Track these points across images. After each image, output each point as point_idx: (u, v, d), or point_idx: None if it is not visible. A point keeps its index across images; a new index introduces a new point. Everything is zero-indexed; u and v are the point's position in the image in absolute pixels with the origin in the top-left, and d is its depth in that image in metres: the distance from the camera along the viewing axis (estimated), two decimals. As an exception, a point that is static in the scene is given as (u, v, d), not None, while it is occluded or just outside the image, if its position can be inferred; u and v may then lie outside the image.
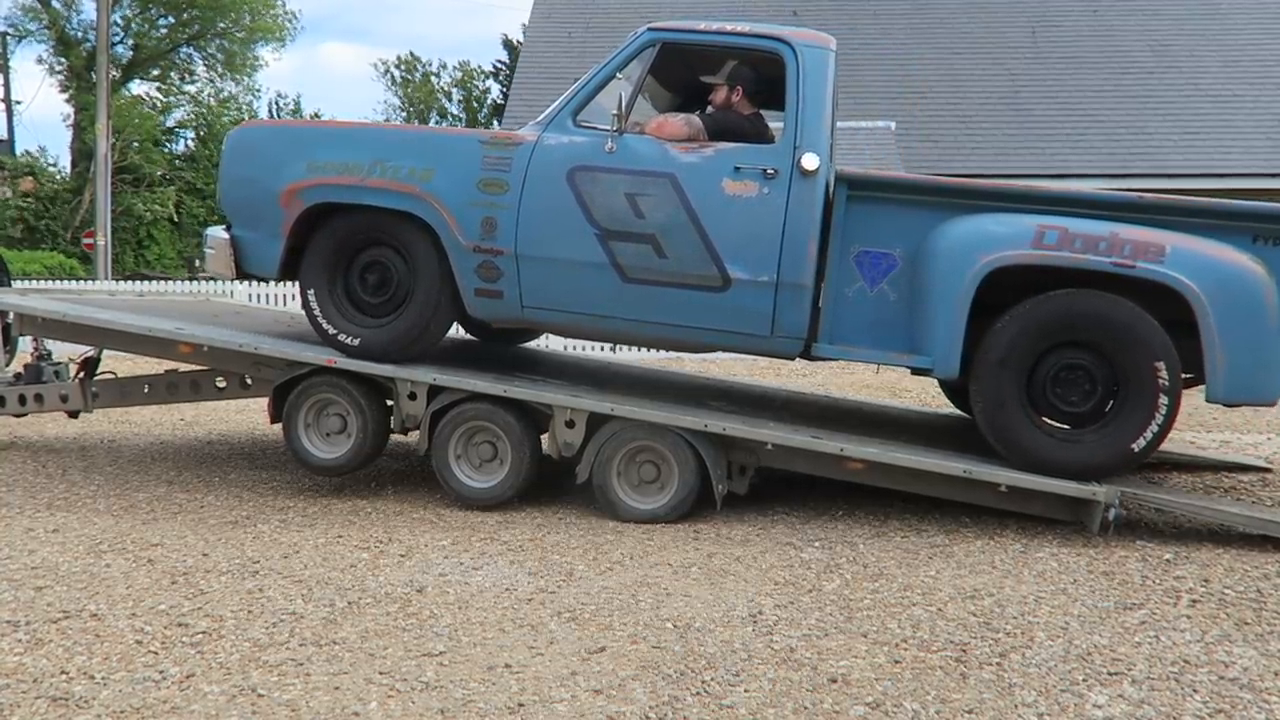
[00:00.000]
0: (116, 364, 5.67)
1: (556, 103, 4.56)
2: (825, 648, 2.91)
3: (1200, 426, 7.35)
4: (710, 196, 4.25)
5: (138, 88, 31.67)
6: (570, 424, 4.34)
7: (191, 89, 32.99)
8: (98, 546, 3.80)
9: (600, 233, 4.33)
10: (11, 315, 5.13)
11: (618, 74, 4.37)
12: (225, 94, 33.44)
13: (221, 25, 30.86)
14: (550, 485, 4.75)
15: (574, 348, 13.23)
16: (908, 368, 4.33)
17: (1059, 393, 4.14)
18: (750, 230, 4.23)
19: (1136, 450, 4.04)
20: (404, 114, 42.90)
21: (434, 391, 4.47)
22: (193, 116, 32.46)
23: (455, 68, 43.87)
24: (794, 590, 3.42)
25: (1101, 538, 4.06)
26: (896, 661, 2.82)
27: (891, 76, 20.42)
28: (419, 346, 4.59)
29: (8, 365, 5.73)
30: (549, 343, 13.26)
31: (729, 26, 4.44)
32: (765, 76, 4.48)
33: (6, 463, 5.37)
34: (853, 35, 21.49)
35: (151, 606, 3.15)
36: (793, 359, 4.51)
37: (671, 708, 2.50)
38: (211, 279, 14.13)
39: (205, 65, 32.56)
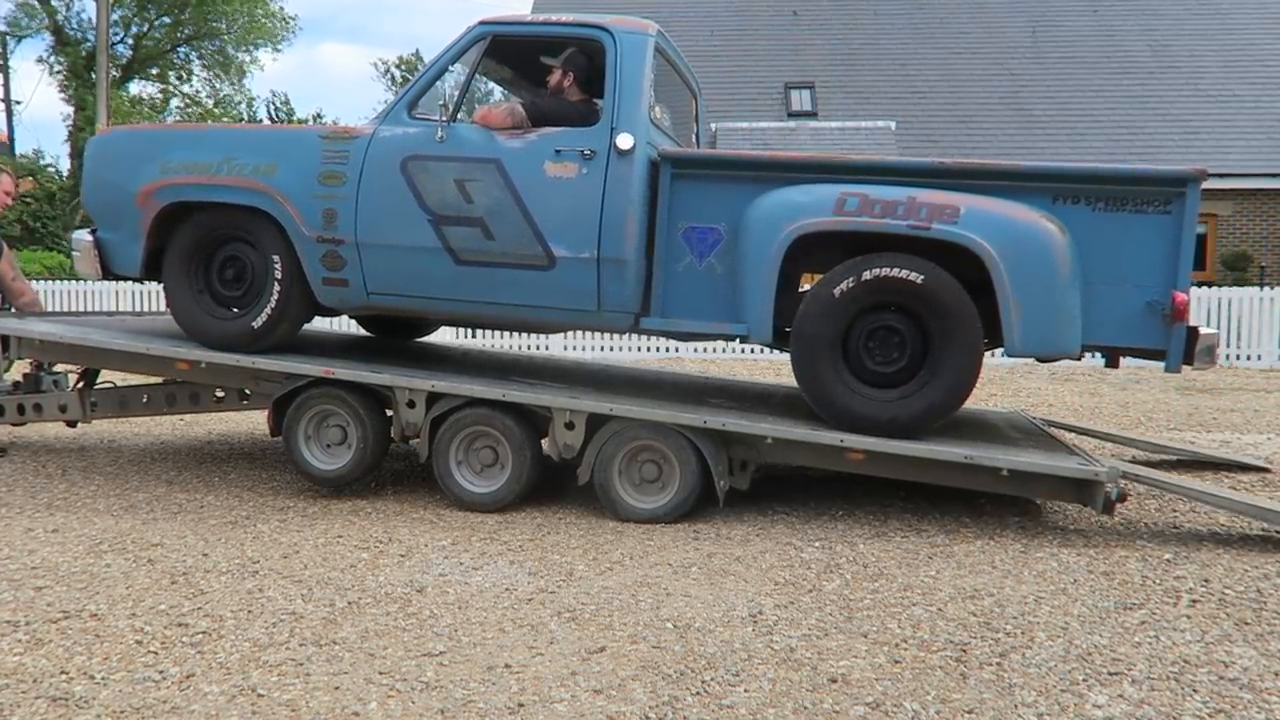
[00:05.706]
0: (117, 372, 5.66)
1: (394, 96, 4.71)
2: (825, 648, 2.91)
3: (1200, 426, 7.35)
4: (533, 179, 4.40)
5: (137, 88, 31.68)
6: (570, 425, 4.34)
7: (189, 89, 33.02)
8: (98, 546, 3.80)
9: (433, 218, 4.48)
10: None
11: (451, 66, 4.55)
12: (223, 94, 33.47)
13: (216, 25, 30.87)
14: (550, 485, 4.75)
15: (574, 349, 13.24)
16: (730, 336, 4.50)
17: (873, 350, 4.25)
18: (571, 210, 4.37)
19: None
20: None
21: (433, 398, 4.48)
22: (190, 118, 32.45)
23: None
24: (794, 590, 3.42)
25: (1105, 519, 4.06)
26: (896, 661, 2.82)
27: (891, 76, 20.43)
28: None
29: (6, 373, 5.72)
30: (548, 343, 13.27)
31: (554, 17, 4.64)
32: (596, 64, 4.63)
33: (6, 463, 5.38)
34: (853, 35, 21.52)
35: (151, 606, 3.15)
36: (624, 333, 4.65)
37: (671, 708, 2.50)
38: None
39: (203, 66, 32.60)
